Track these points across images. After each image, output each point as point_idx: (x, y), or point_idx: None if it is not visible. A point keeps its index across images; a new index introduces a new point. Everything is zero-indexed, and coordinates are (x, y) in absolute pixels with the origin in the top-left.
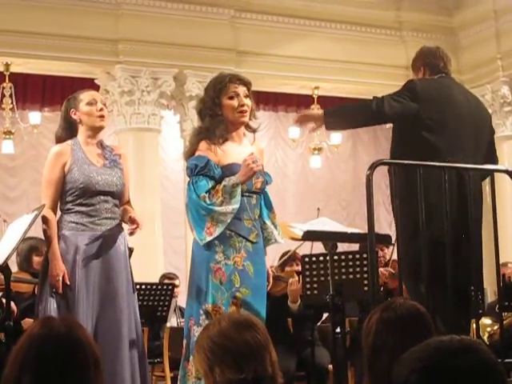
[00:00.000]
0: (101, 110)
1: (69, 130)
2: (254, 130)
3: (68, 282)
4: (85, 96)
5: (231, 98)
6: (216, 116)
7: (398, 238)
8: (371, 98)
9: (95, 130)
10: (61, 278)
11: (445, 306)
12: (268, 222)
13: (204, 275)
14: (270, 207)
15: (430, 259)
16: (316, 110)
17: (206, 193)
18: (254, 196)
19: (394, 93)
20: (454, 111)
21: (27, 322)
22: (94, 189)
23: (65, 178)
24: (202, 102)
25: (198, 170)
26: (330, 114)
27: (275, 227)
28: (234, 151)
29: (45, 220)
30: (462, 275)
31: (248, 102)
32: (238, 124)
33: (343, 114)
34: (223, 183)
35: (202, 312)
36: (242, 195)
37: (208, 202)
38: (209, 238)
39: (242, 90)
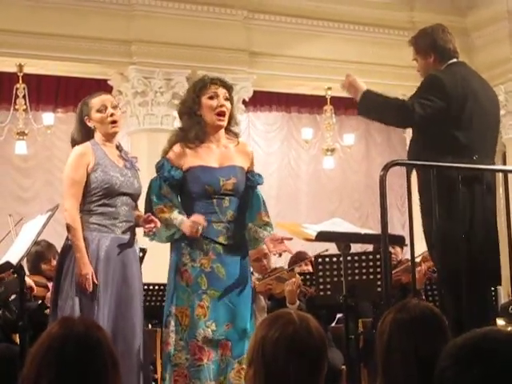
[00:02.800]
0: (112, 115)
1: (85, 133)
2: (235, 135)
3: (96, 282)
4: (95, 102)
5: (211, 97)
6: (194, 115)
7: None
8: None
9: (110, 136)
10: (90, 277)
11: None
12: (250, 225)
13: (172, 277)
14: (254, 208)
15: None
16: (362, 83)
17: (158, 202)
18: (227, 198)
19: (422, 94)
20: (478, 106)
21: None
22: (118, 189)
23: (88, 178)
24: (182, 102)
25: (156, 170)
26: (367, 97)
27: (260, 227)
28: (208, 153)
29: (70, 219)
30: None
31: (228, 104)
32: (216, 127)
33: (380, 107)
34: (173, 215)
35: (168, 313)
36: (211, 198)
37: (159, 216)
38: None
39: (222, 91)
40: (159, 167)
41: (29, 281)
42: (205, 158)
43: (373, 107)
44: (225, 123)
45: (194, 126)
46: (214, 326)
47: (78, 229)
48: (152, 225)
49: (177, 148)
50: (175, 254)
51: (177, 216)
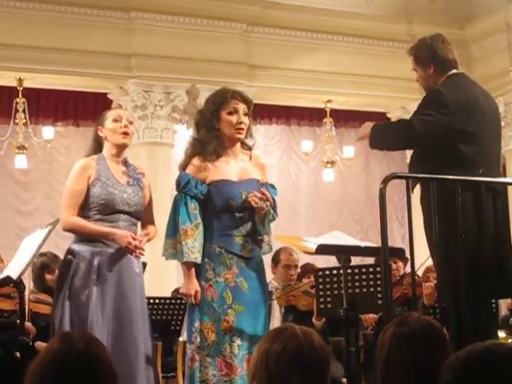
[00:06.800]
0: (125, 126)
1: (98, 149)
2: (249, 148)
3: (133, 243)
4: (111, 113)
5: (230, 113)
6: (212, 129)
7: (433, 253)
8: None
9: (119, 148)
10: (131, 240)
11: (480, 316)
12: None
13: None
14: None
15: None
16: (367, 124)
17: (185, 221)
18: (247, 211)
19: (423, 110)
20: (482, 117)
21: (40, 345)
22: (114, 206)
23: (88, 192)
24: (201, 114)
25: (181, 187)
26: (375, 130)
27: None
28: (227, 168)
29: (68, 226)
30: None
31: (246, 120)
32: (234, 140)
33: (384, 133)
34: (190, 244)
35: (193, 329)
36: (234, 212)
37: (182, 237)
38: (164, 256)
39: (242, 107)
40: (185, 184)
41: (27, 324)
42: (225, 172)
43: (380, 136)
44: (243, 137)
45: (213, 139)
46: (239, 340)
47: (83, 225)
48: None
49: (196, 162)
50: (198, 269)
51: (193, 247)
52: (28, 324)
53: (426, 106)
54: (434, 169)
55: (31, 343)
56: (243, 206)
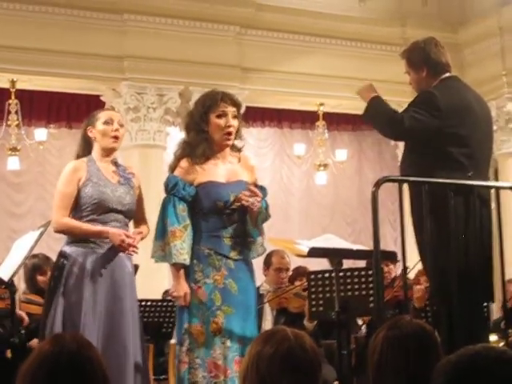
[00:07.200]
0: (116, 130)
1: (87, 148)
2: (238, 150)
3: (126, 241)
4: (103, 115)
5: (219, 116)
6: (201, 132)
7: (423, 255)
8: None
9: (108, 151)
10: (125, 238)
11: (470, 319)
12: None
13: None
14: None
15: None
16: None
17: (174, 223)
18: (235, 213)
19: (414, 108)
20: (475, 122)
21: (35, 342)
22: (107, 205)
23: (79, 193)
24: (190, 116)
25: (169, 189)
26: (371, 107)
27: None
28: (215, 170)
29: (59, 228)
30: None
31: (235, 123)
32: (222, 146)
33: (376, 116)
34: (179, 246)
35: (183, 331)
36: (222, 213)
37: (170, 239)
38: (153, 258)
39: (231, 110)
40: (173, 186)
41: (19, 312)
42: (213, 174)
43: (373, 115)
44: (232, 142)
45: (202, 142)
46: (228, 342)
47: (75, 226)
48: (131, 248)
49: (184, 164)
50: (187, 271)
51: (182, 249)
52: (20, 312)
53: (417, 105)
54: (426, 165)
55: (23, 331)
56: (233, 207)
